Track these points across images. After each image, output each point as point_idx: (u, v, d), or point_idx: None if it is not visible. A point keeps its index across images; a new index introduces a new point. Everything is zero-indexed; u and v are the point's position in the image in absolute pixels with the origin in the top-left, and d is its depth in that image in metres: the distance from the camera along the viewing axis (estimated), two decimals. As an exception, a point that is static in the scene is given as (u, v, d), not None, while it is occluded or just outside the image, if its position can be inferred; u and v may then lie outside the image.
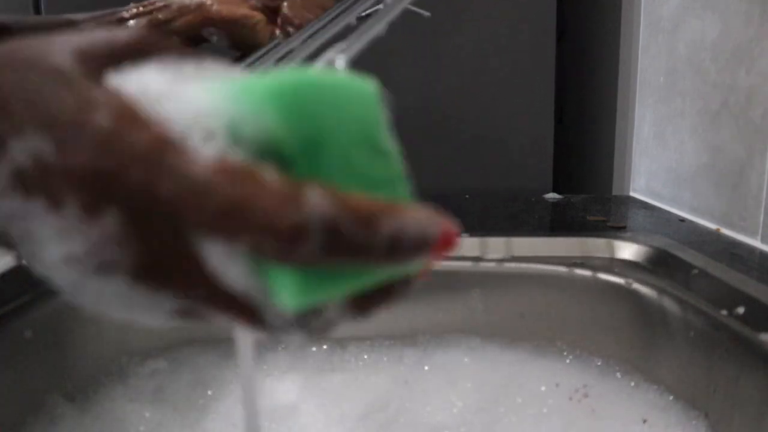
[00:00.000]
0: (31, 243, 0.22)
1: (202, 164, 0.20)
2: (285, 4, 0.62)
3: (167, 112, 0.21)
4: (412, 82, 0.98)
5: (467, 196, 0.96)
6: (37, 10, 0.95)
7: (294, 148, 0.20)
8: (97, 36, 0.24)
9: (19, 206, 0.21)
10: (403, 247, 0.21)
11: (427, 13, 0.65)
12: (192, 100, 0.21)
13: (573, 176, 1.19)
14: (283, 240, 0.19)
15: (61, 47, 0.23)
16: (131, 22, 0.62)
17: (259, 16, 0.61)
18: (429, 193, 0.96)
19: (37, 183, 0.21)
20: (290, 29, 0.60)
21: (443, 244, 0.22)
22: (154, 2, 0.63)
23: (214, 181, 0.20)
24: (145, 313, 0.23)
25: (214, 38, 0.61)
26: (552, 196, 0.94)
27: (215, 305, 0.23)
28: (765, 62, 0.66)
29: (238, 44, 0.61)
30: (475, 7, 0.98)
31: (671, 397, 0.55)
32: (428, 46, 0.97)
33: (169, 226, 0.20)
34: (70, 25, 0.65)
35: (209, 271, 0.21)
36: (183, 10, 0.61)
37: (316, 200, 0.19)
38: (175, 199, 0.20)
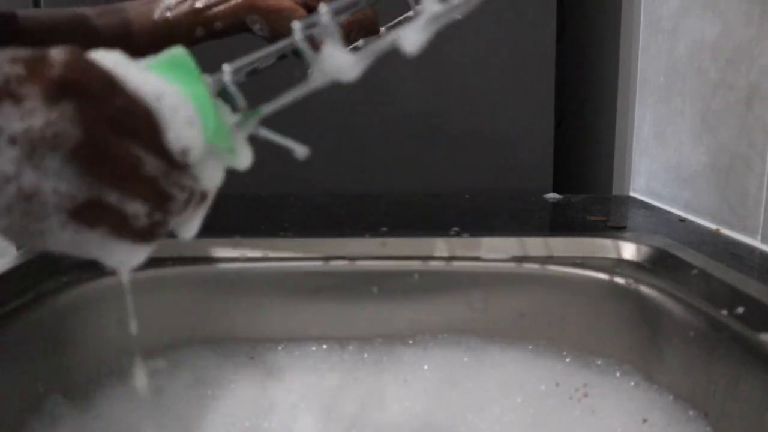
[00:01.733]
0: None
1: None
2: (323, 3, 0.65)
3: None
4: (411, 82, 0.98)
5: (467, 196, 0.96)
6: (37, 6, 0.95)
7: None
8: None
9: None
10: None
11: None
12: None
13: (573, 176, 1.19)
14: None
15: None
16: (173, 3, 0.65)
17: (302, 11, 0.64)
18: (429, 193, 0.96)
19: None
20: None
21: None
22: None
23: None
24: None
25: (257, 26, 0.63)
26: (552, 196, 0.94)
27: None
28: (765, 62, 0.66)
29: (277, 36, 0.64)
30: (475, 7, 0.98)
31: (671, 397, 0.55)
32: (428, 45, 0.97)
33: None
34: (81, 21, 0.66)
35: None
36: None
37: None
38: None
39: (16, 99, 0.28)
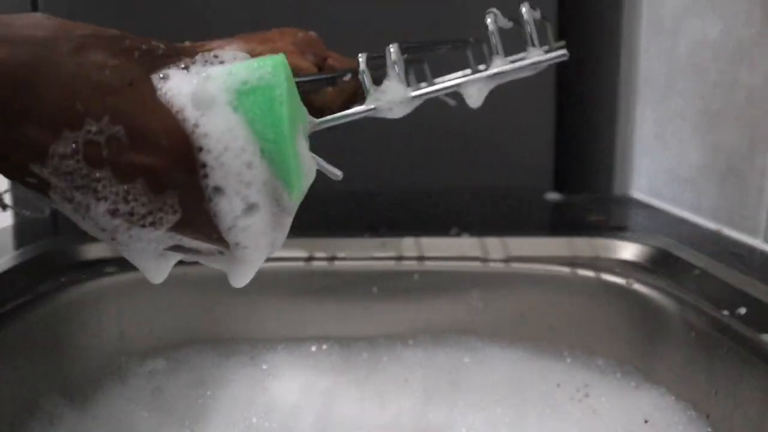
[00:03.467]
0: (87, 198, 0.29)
1: None
2: (329, 58, 0.67)
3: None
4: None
5: (467, 195, 0.96)
6: (35, 10, 0.95)
7: None
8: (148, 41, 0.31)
9: (85, 171, 0.28)
10: None
11: (452, 102, 0.70)
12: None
13: (574, 176, 1.19)
14: None
15: (129, 47, 0.29)
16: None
17: (316, 71, 0.65)
18: (429, 193, 0.96)
19: (106, 158, 0.28)
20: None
21: None
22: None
23: None
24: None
25: None
26: (553, 195, 0.94)
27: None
28: (766, 62, 0.66)
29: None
30: (476, 6, 0.98)
31: (672, 398, 0.55)
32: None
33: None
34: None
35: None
36: (249, 53, 0.63)
37: None
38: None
39: None
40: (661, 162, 0.88)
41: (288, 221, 0.33)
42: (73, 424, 0.56)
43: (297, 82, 0.51)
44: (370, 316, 0.68)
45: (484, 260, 0.68)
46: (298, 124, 0.32)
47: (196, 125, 0.29)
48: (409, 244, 0.70)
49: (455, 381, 0.63)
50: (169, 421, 0.58)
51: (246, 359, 0.65)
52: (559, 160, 1.03)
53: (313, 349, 0.67)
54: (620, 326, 0.62)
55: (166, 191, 0.29)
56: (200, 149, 0.29)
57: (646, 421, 0.54)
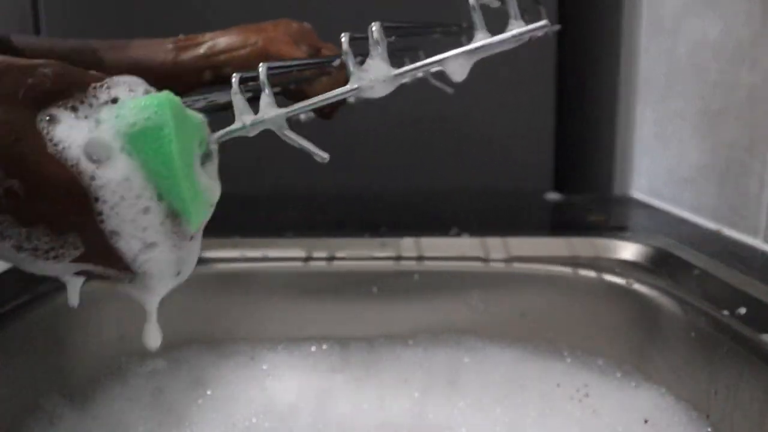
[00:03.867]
0: None
1: None
2: (323, 49, 0.67)
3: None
4: (411, 82, 0.98)
5: (467, 196, 0.96)
6: (35, 12, 0.95)
7: None
8: (37, 76, 0.29)
9: None
10: None
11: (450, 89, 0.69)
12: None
13: (574, 176, 1.19)
14: None
15: (13, 85, 0.29)
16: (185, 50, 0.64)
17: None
18: (429, 193, 0.96)
19: (5, 206, 0.28)
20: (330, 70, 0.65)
21: None
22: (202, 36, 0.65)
23: None
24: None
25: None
26: (553, 195, 0.94)
27: None
28: (766, 61, 0.66)
29: (284, 85, 0.64)
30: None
31: (672, 398, 0.55)
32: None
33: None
34: (89, 52, 0.65)
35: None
36: (243, 43, 0.63)
37: None
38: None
39: None
40: (661, 162, 0.88)
41: (194, 244, 0.33)
42: (73, 424, 0.56)
43: (287, 66, 0.51)
44: (369, 316, 0.68)
45: (484, 260, 0.68)
46: (193, 153, 0.32)
47: (92, 178, 0.29)
48: (408, 244, 0.69)
49: (455, 381, 0.63)
50: (169, 421, 0.58)
51: (246, 359, 0.65)
52: (559, 160, 1.03)
53: (313, 349, 0.67)
54: (620, 326, 0.62)
55: (67, 233, 0.30)
56: (96, 199, 0.29)
57: (646, 421, 0.54)
